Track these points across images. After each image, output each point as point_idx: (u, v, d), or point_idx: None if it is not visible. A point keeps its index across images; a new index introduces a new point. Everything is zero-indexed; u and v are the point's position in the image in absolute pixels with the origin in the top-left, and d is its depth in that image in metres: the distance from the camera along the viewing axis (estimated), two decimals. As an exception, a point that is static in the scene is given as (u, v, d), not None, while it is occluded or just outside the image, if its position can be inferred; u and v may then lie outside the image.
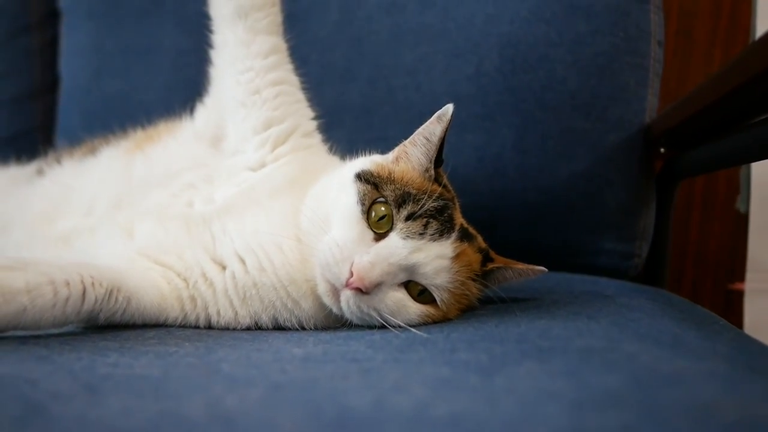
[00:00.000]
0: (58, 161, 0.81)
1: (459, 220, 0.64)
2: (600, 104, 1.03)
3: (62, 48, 1.32)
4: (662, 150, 1.05)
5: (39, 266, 0.53)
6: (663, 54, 1.09)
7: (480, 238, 0.67)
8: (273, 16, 0.74)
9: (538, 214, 1.05)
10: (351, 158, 0.77)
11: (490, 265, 0.64)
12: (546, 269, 0.66)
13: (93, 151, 0.79)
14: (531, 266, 0.66)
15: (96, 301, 0.55)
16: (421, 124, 1.09)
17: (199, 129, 0.75)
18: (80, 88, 1.25)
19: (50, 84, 1.42)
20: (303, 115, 0.73)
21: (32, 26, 1.41)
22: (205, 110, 0.76)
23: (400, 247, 0.57)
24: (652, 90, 1.08)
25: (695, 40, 1.39)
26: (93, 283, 0.55)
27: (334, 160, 0.75)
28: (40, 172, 0.83)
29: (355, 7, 1.17)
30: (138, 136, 0.78)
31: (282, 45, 0.75)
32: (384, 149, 1.10)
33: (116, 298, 0.57)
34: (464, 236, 0.62)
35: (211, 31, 0.80)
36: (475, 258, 0.63)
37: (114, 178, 0.73)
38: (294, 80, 0.74)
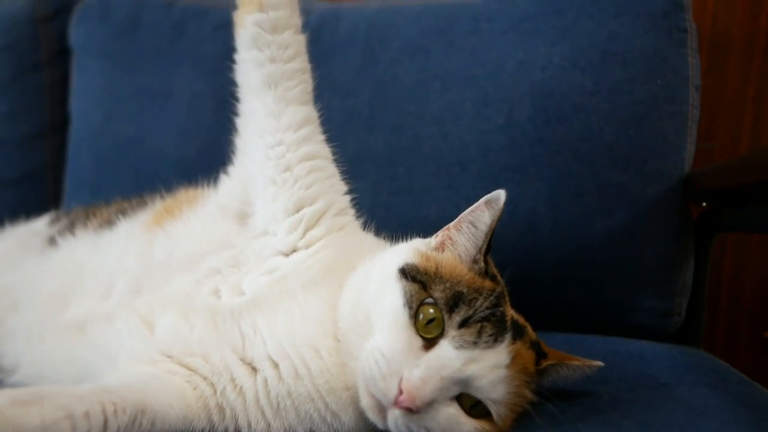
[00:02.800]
0: (72, 231, 0.77)
1: (509, 313, 0.59)
2: (638, 156, 0.98)
3: (73, 88, 1.28)
4: (703, 204, 1.00)
5: (56, 398, 0.48)
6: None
7: (529, 328, 0.62)
8: (304, 84, 0.69)
9: (573, 271, 1.00)
10: (389, 240, 0.72)
11: (545, 363, 0.59)
12: (602, 363, 0.61)
13: (109, 223, 0.74)
14: (587, 362, 0.60)
15: (119, 429, 0.50)
16: (449, 176, 1.05)
17: (223, 203, 0.70)
18: (92, 131, 1.21)
19: (60, 122, 1.38)
20: (336, 191, 0.68)
21: (43, 64, 1.37)
22: (230, 182, 0.71)
23: (453, 358, 0.52)
24: (691, 138, 1.03)
25: (727, 78, 1.34)
26: (116, 411, 0.50)
27: (370, 238, 0.70)
28: (52, 242, 0.78)
29: (379, 51, 1.12)
30: (157, 208, 0.73)
31: (314, 114, 0.70)
32: (410, 202, 1.06)
33: (140, 423, 0.52)
34: (516, 332, 0.57)
35: (235, 91, 0.75)
36: (529, 357, 0.57)
37: (132, 258, 0.68)
38: (326, 152, 0.69)
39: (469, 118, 1.03)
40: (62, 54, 1.39)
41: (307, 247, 0.64)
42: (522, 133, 1.00)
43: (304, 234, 0.64)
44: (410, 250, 0.61)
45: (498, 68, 1.04)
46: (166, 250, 0.67)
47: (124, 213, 0.74)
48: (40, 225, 0.94)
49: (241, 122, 0.71)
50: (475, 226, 0.60)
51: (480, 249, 0.59)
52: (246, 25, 0.68)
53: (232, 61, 1.16)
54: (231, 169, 0.72)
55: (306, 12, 0.74)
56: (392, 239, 0.72)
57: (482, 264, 0.59)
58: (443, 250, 0.61)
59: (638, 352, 0.85)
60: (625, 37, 1.01)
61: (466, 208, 1.02)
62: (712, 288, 1.27)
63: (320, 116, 0.74)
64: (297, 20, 0.70)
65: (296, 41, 0.69)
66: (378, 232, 1.03)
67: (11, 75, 1.35)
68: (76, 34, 1.27)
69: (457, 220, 0.62)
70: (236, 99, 1.13)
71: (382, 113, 1.08)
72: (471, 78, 1.05)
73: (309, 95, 0.70)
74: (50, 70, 1.38)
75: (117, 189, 1.18)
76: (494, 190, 1.00)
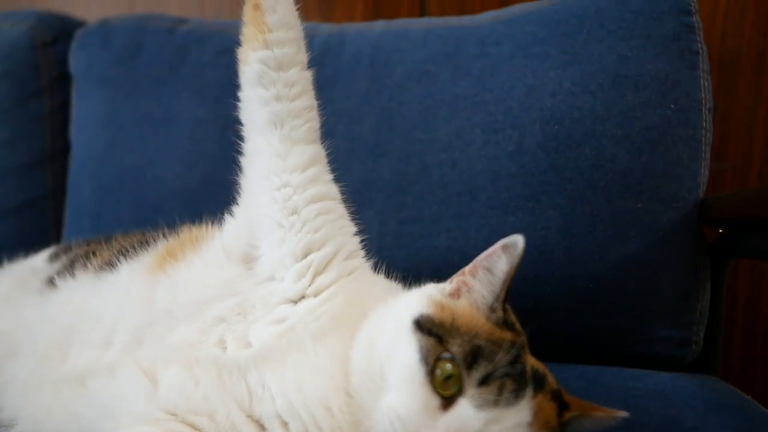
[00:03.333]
0: (71, 272, 0.74)
1: (530, 363, 0.56)
2: (652, 182, 0.96)
3: (73, 115, 1.26)
4: (720, 230, 0.98)
5: None
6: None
7: (549, 376, 0.59)
8: (311, 122, 0.67)
9: (588, 301, 0.97)
10: (401, 281, 0.69)
11: (568, 415, 0.56)
12: (626, 414, 0.58)
13: (110, 265, 0.72)
14: (611, 412, 0.57)
15: None
16: (459, 205, 1.02)
17: (228, 246, 0.67)
18: (92, 160, 1.19)
19: (61, 150, 1.36)
20: (345, 233, 0.66)
21: (43, 90, 1.35)
22: (235, 224, 0.68)
23: (473, 418, 0.50)
24: (705, 162, 1.00)
25: (738, 96, 1.31)
26: None
27: (381, 281, 0.67)
28: (51, 284, 0.75)
29: (384, 76, 1.10)
30: (159, 249, 0.71)
31: (321, 153, 0.67)
32: (418, 231, 1.03)
33: None
34: (537, 384, 0.54)
35: (239, 119, 0.73)
36: (551, 410, 0.55)
37: (134, 305, 0.65)
38: (334, 192, 0.67)
39: (478, 144, 1.01)
40: (62, 80, 1.37)
41: (315, 294, 0.61)
42: (533, 160, 0.98)
43: (313, 280, 0.62)
44: (424, 298, 0.58)
45: (507, 93, 1.02)
46: (169, 297, 0.64)
47: (125, 254, 0.72)
48: (39, 262, 0.91)
49: (245, 162, 0.68)
50: (491, 273, 0.57)
51: (497, 297, 0.57)
52: (250, 63, 0.66)
53: (235, 88, 1.14)
54: (236, 209, 0.70)
55: (310, 36, 0.72)
56: (404, 279, 0.69)
57: (500, 313, 0.57)
58: (459, 297, 0.59)
59: (658, 388, 0.82)
60: (636, 61, 0.98)
61: (477, 237, 1.01)
62: (727, 310, 1.24)
63: (325, 143, 0.72)
64: (303, 57, 0.68)
65: (302, 78, 0.67)
66: (386, 263, 1.01)
67: (11, 102, 1.33)
68: (76, 61, 1.25)
69: (472, 264, 0.60)
70: (240, 125, 1.12)
71: (389, 140, 1.06)
72: (479, 103, 1.03)
73: (316, 133, 0.68)
74: (50, 96, 1.36)
75: (118, 219, 1.16)
76: (505, 218, 0.99)
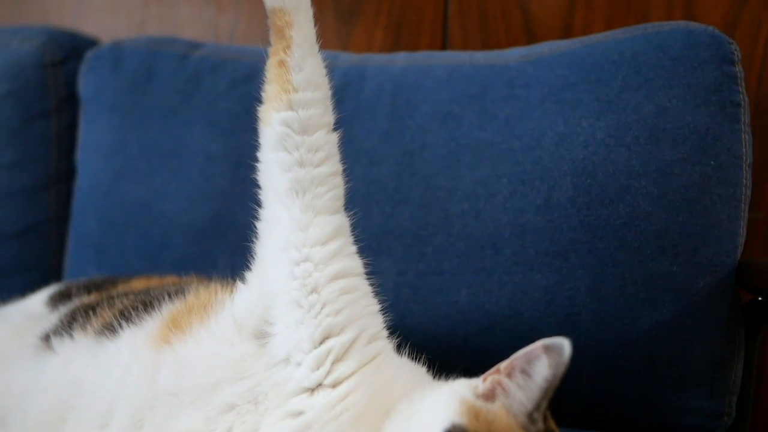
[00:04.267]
0: (70, 332, 0.69)
1: None
2: (689, 244, 0.90)
3: (80, 140, 1.21)
4: (759, 298, 0.92)
5: None
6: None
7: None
8: (336, 189, 0.62)
9: (616, 367, 0.92)
10: (428, 368, 0.64)
11: None
12: None
13: (111, 329, 0.66)
14: None
15: None
16: (481, 259, 0.97)
17: (239, 319, 0.62)
18: (98, 190, 1.14)
19: (66, 173, 1.32)
20: (368, 313, 0.61)
21: (51, 111, 1.31)
22: (248, 295, 0.63)
23: None
24: (743, 222, 0.95)
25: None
26: None
27: (406, 366, 0.62)
28: (47, 342, 0.70)
29: (406, 116, 1.05)
30: (164, 316, 0.66)
31: (345, 223, 0.62)
32: (438, 284, 0.98)
33: None
34: None
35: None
36: None
37: (135, 383, 0.60)
38: (358, 267, 0.62)
39: (504, 195, 0.95)
40: (70, 100, 1.32)
41: (334, 385, 0.56)
42: (562, 215, 0.92)
43: (332, 368, 0.56)
44: (455, 401, 0.52)
45: (536, 142, 0.96)
46: (173, 377, 0.59)
47: (127, 318, 0.66)
48: (37, 305, 0.86)
49: (262, 229, 0.63)
50: (530, 377, 0.52)
51: (537, 405, 0.51)
52: (272, 124, 0.61)
53: (249, 121, 1.09)
54: (249, 276, 0.65)
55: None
56: (430, 366, 0.64)
57: (541, 425, 0.51)
58: (493, 399, 0.53)
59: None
60: (675, 113, 0.93)
61: (500, 294, 0.95)
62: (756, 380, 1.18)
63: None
64: (330, 118, 0.64)
65: (328, 142, 0.62)
66: (404, 317, 0.96)
67: (18, 122, 1.29)
68: (85, 85, 1.20)
69: (508, 362, 0.54)
70: (253, 161, 1.07)
71: (409, 186, 1.00)
72: (506, 151, 0.97)
73: (341, 201, 0.63)
74: (58, 117, 1.32)
75: (123, 254, 1.11)
76: (530, 276, 0.94)
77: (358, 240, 0.67)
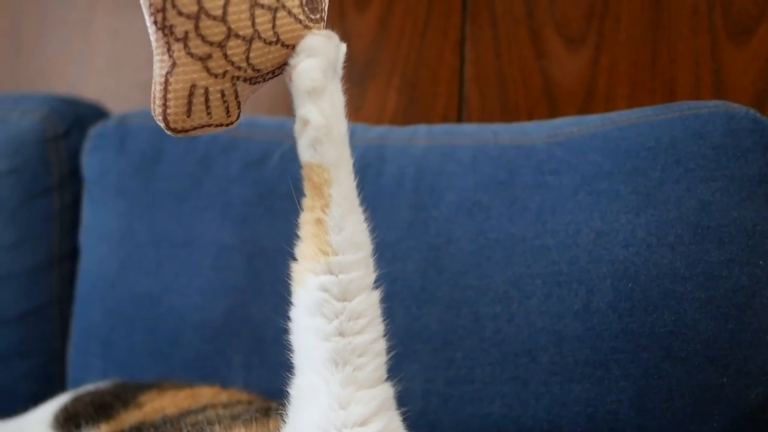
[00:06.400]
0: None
1: None
2: (739, 353, 0.84)
3: (84, 222, 1.15)
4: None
5: None
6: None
7: None
8: (379, 356, 0.57)
9: (663, 486, 0.85)
10: None
11: None
12: None
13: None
14: None
15: None
16: (516, 367, 0.91)
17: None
18: (104, 280, 1.08)
19: (69, 252, 1.26)
20: None
21: (53, 188, 1.25)
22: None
23: None
24: (796, 325, 0.89)
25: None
26: None
27: None
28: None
29: (431, 205, 0.99)
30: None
31: (389, 393, 0.57)
32: (469, 394, 0.92)
33: None
34: None
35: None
36: None
37: None
38: None
39: (538, 298, 0.90)
40: (73, 175, 1.27)
41: None
42: (602, 321, 0.87)
43: None
44: None
45: (571, 239, 0.91)
46: None
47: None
48: (43, 428, 0.80)
49: (296, 397, 0.57)
50: None
51: None
52: (309, 288, 0.56)
53: (263, 209, 1.04)
54: (278, 445, 0.59)
55: None
56: None
57: None
58: None
59: None
60: (719, 208, 0.87)
61: (536, 406, 0.89)
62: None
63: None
64: (371, 278, 0.59)
65: (370, 306, 0.57)
66: (433, 429, 0.90)
67: (19, 201, 1.23)
68: (89, 165, 1.15)
69: None
70: (268, 254, 1.01)
71: (436, 284, 0.94)
72: (540, 248, 0.92)
73: (384, 369, 0.57)
74: (60, 194, 1.26)
75: (131, 349, 1.05)
76: (569, 386, 0.88)
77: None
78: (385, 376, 0.58)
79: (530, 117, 1.28)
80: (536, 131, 1.05)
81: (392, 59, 1.35)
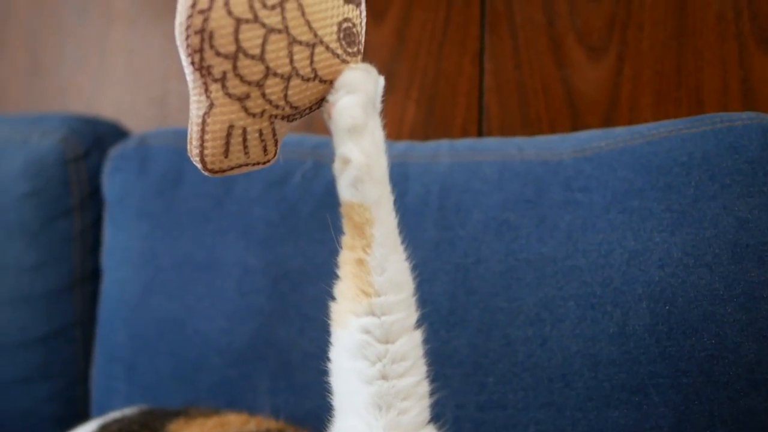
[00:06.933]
0: None
1: None
2: (782, 376, 0.81)
3: (105, 244, 1.14)
4: None
5: None
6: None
7: None
8: (423, 399, 0.56)
9: None
10: None
11: None
12: None
13: None
14: None
15: None
16: (550, 392, 0.89)
17: None
18: (127, 303, 1.07)
19: (91, 273, 1.25)
20: None
21: (74, 209, 1.24)
22: None
23: None
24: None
25: None
26: None
27: None
28: None
29: (457, 225, 0.97)
30: None
31: None
32: (502, 420, 0.89)
33: None
34: None
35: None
36: None
37: None
38: None
39: (572, 321, 0.87)
40: (93, 195, 1.26)
41: None
42: (639, 345, 0.84)
43: None
44: None
45: (604, 259, 0.88)
46: None
47: None
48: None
49: (333, 435, 0.56)
50: None
51: None
52: (350, 330, 0.54)
53: (286, 230, 1.02)
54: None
55: None
56: None
57: None
58: None
59: None
60: (758, 225, 0.85)
61: (577, 444, 0.87)
62: None
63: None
64: (414, 318, 0.57)
65: (413, 347, 0.56)
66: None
67: (40, 223, 1.23)
68: (110, 186, 1.14)
69: None
70: (293, 277, 0.99)
71: (465, 306, 0.92)
72: (571, 269, 0.89)
73: (427, 412, 0.56)
74: (81, 215, 1.25)
75: (155, 373, 1.04)
76: (606, 413, 0.85)
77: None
78: (429, 418, 0.56)
79: (552, 128, 1.26)
80: (562, 145, 1.02)
81: (410, 71, 1.33)
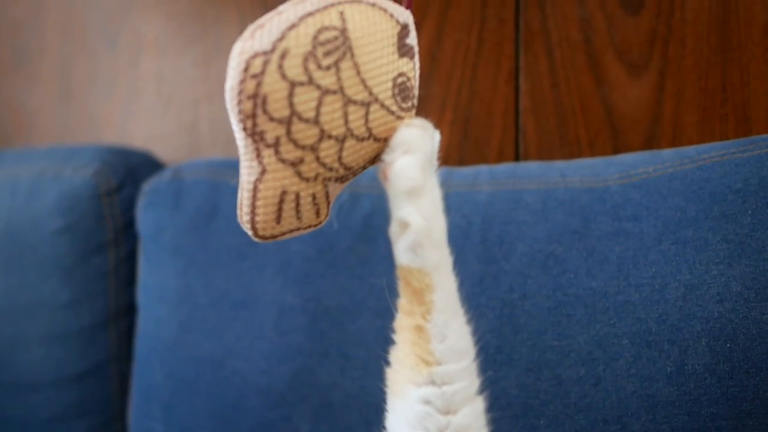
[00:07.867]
0: None
1: None
2: None
3: (140, 280, 1.13)
4: None
5: None
6: None
7: None
8: None
9: None
10: None
11: None
12: None
13: None
14: None
15: None
16: (607, 437, 0.85)
17: None
18: (164, 343, 1.05)
19: (126, 308, 1.24)
20: None
21: (108, 243, 1.23)
22: None
23: None
24: None
25: None
26: None
27: None
28: None
29: (501, 258, 0.94)
30: None
31: None
32: (556, 464, 0.86)
33: None
34: None
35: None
36: None
37: None
38: None
39: (626, 360, 0.83)
40: (127, 229, 1.25)
41: None
42: (699, 385, 0.80)
43: None
44: None
45: (658, 294, 0.84)
46: None
47: None
48: None
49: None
50: None
51: None
52: (410, 400, 0.51)
53: (324, 265, 1.00)
54: None
55: None
56: None
57: None
58: None
59: None
60: (822, 256, 0.80)
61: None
62: None
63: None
64: (476, 386, 0.54)
65: (476, 416, 0.53)
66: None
67: (74, 259, 1.22)
68: (144, 222, 1.13)
69: None
70: (333, 314, 0.97)
71: (512, 345, 0.89)
72: (624, 304, 0.85)
73: None
74: (115, 249, 1.25)
75: (194, 414, 1.02)
76: (666, 457, 0.81)
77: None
78: None
79: (591, 149, 1.22)
80: (607, 171, 0.99)
81: (443, 93, 1.31)
